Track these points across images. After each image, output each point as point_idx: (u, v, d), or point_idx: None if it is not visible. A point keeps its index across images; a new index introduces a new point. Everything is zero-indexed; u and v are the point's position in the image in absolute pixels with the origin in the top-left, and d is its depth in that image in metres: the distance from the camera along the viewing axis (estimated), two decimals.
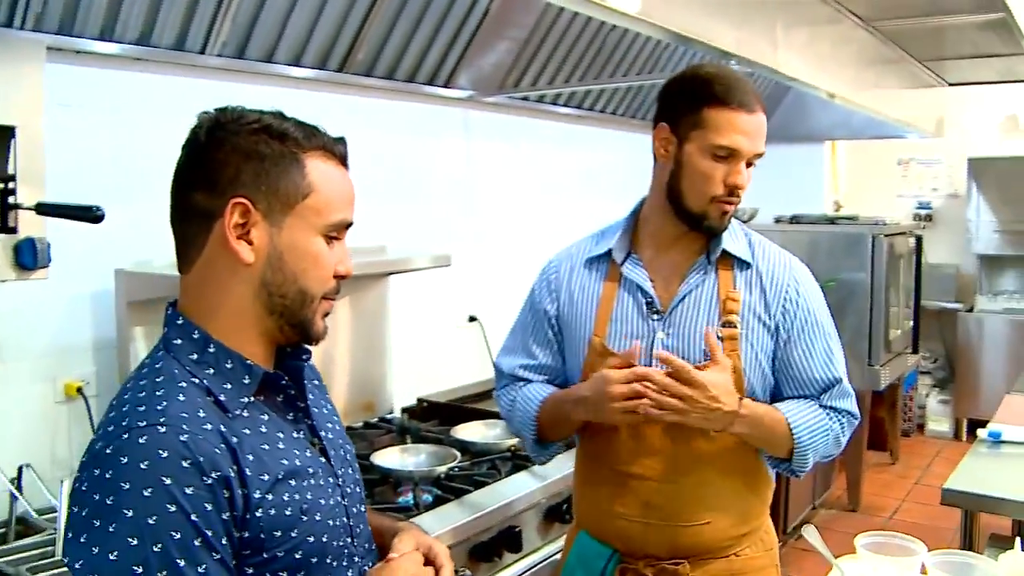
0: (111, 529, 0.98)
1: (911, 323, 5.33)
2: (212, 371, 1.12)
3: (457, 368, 3.44)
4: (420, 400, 3.18)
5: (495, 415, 2.65)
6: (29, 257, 1.79)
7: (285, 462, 1.13)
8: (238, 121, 1.13)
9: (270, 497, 1.09)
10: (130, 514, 0.99)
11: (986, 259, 6.33)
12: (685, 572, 1.72)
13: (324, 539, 1.16)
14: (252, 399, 1.14)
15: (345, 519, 1.22)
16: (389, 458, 2.42)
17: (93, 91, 2.22)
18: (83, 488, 1.03)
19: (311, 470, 1.17)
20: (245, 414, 1.12)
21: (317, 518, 1.15)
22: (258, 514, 1.08)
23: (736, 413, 1.62)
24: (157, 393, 1.07)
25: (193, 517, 1.01)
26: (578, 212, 3.95)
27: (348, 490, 1.25)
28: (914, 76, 4.93)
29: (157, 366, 1.12)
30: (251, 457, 1.09)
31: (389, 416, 3.00)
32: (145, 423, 1.03)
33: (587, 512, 1.83)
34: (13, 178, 1.76)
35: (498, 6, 3.06)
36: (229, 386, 1.12)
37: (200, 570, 1.01)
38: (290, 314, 1.16)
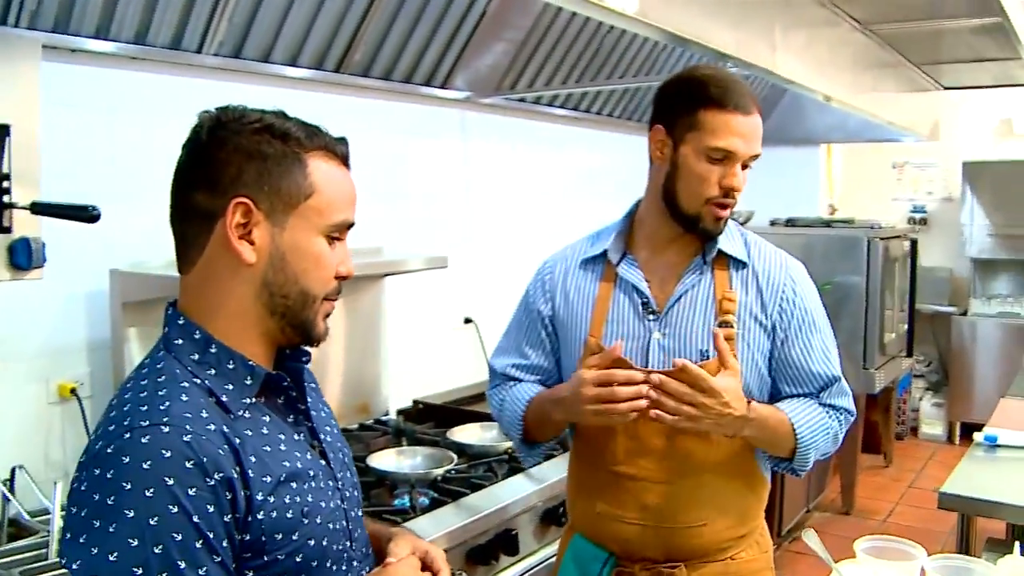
0: (111, 530, 0.97)
1: (906, 326, 5.34)
2: (214, 372, 1.11)
3: (453, 370, 3.43)
4: (416, 402, 3.17)
5: (491, 417, 2.64)
6: (24, 257, 1.77)
7: (287, 464, 1.12)
8: (240, 120, 1.12)
9: (272, 499, 1.08)
10: (131, 515, 0.98)
11: (980, 263, 6.36)
12: (682, 575, 1.71)
13: (324, 543, 1.15)
14: (253, 400, 1.14)
15: (344, 523, 1.22)
16: (385, 460, 2.41)
17: (88, 90, 2.21)
18: (82, 488, 1.01)
19: (312, 473, 1.16)
20: (247, 415, 1.12)
21: (318, 521, 1.14)
22: (259, 516, 1.07)
23: (746, 417, 1.61)
24: (159, 393, 1.06)
25: (195, 519, 1.00)
26: (574, 213, 3.95)
27: (347, 493, 1.25)
28: (910, 80, 4.93)
29: (158, 366, 1.11)
30: (253, 459, 1.08)
31: (384, 418, 2.99)
32: (148, 423, 1.02)
33: (582, 514, 1.82)
34: (8, 177, 1.74)
35: (495, 7, 3.06)
36: (231, 387, 1.11)
37: (201, 572, 1.00)
38: (292, 315, 1.15)
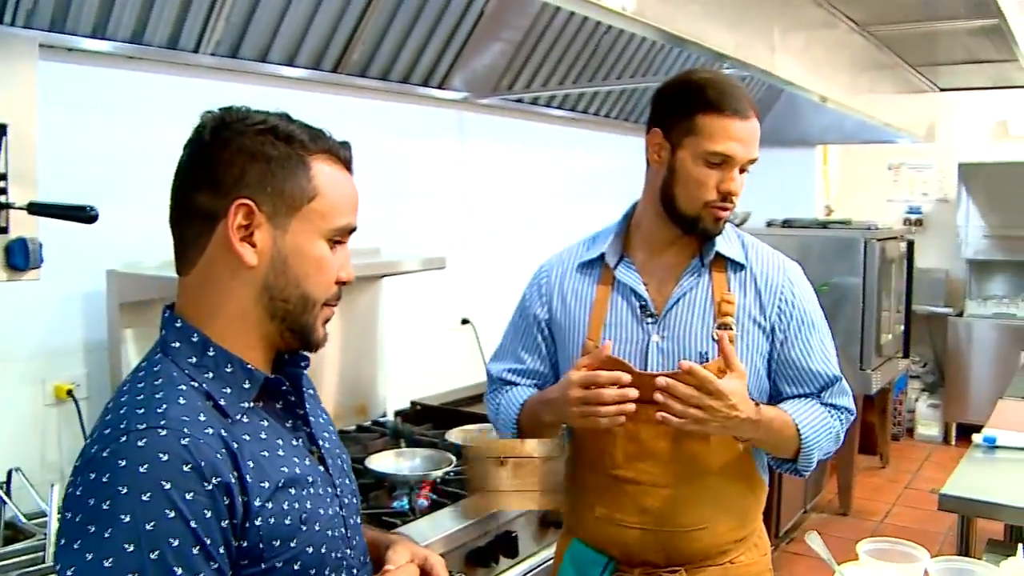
0: (107, 535, 0.95)
1: (902, 327, 5.35)
2: (211, 375, 1.10)
3: (450, 371, 3.42)
4: (413, 403, 3.17)
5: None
6: (20, 258, 1.76)
7: (285, 470, 1.11)
8: (244, 121, 1.11)
9: (270, 505, 1.07)
10: (127, 519, 0.96)
11: (975, 264, 6.38)
12: None
13: (323, 550, 1.14)
14: (251, 405, 1.12)
15: (343, 530, 1.20)
16: (383, 462, 2.40)
17: (84, 89, 2.20)
18: (77, 493, 1.00)
19: (310, 479, 1.15)
20: (245, 420, 1.10)
21: (316, 528, 1.13)
22: (257, 523, 1.05)
23: (753, 420, 1.61)
24: (156, 396, 1.05)
25: (192, 524, 0.98)
26: (571, 214, 3.95)
27: (346, 500, 1.23)
28: (907, 81, 4.94)
29: (155, 369, 1.09)
30: (251, 464, 1.06)
31: (382, 419, 2.98)
32: (145, 426, 1.01)
33: (580, 519, 1.81)
34: (4, 177, 1.73)
35: (493, 7, 3.05)
36: (229, 390, 1.10)
37: None
38: (292, 319, 1.14)
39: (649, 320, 1.72)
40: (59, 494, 1.89)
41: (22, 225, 1.77)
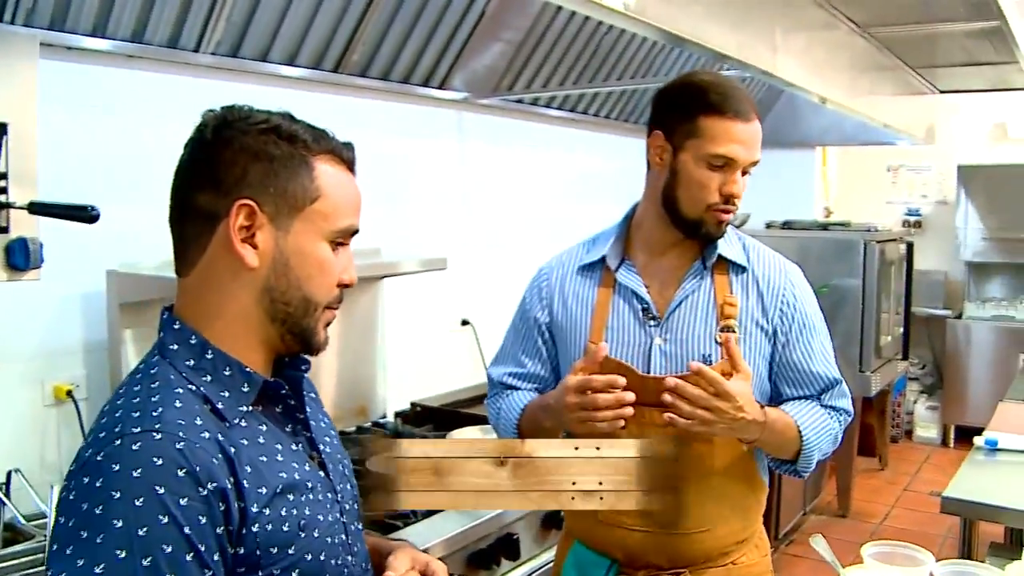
0: (99, 540, 0.94)
1: (901, 329, 5.35)
2: (209, 378, 1.08)
3: (450, 372, 3.42)
4: (414, 404, 3.16)
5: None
6: (21, 258, 1.75)
7: (283, 475, 1.09)
8: (247, 120, 1.09)
9: (267, 512, 1.05)
10: (119, 524, 0.94)
11: (974, 266, 6.38)
12: None
13: (322, 557, 1.12)
14: (250, 408, 1.10)
15: (344, 536, 1.18)
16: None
17: (84, 88, 2.19)
18: (71, 497, 0.98)
19: (310, 484, 1.13)
20: (243, 424, 1.08)
21: (315, 535, 1.11)
22: (255, 529, 1.03)
23: (758, 422, 1.60)
24: (152, 399, 1.03)
25: (186, 530, 0.96)
26: (571, 215, 3.94)
27: (347, 506, 1.21)
28: (907, 83, 4.94)
29: (152, 371, 1.08)
30: (249, 469, 1.04)
31: (382, 420, 2.98)
32: (139, 429, 0.99)
33: (582, 522, 1.80)
34: (5, 176, 1.72)
35: (493, 8, 3.05)
36: (227, 394, 1.08)
37: None
38: (292, 322, 1.12)
39: (651, 323, 1.71)
40: (59, 495, 1.88)
41: (22, 225, 1.76)
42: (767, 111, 5.25)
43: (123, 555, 0.93)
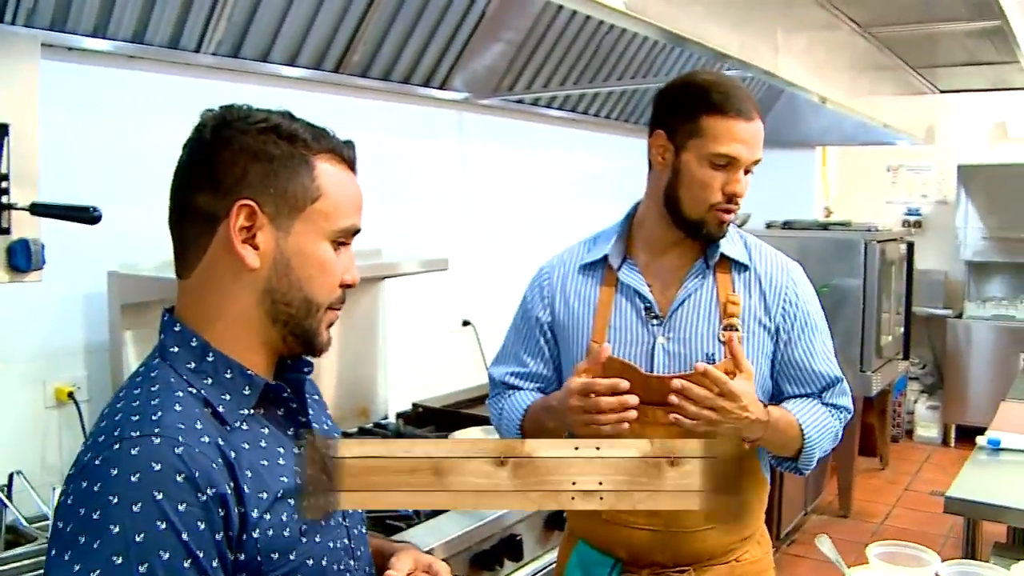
0: (95, 546, 0.92)
1: (902, 329, 5.35)
2: (210, 381, 1.07)
3: (451, 373, 3.41)
4: (415, 405, 3.15)
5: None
6: (23, 259, 1.74)
7: (285, 479, 1.07)
8: (246, 119, 1.08)
9: (268, 517, 1.04)
10: (116, 530, 0.93)
11: (974, 266, 6.38)
12: None
13: (324, 562, 1.11)
14: (251, 412, 1.09)
15: (346, 540, 1.17)
16: None
17: (85, 89, 2.18)
18: (69, 502, 0.97)
19: None
20: (244, 427, 1.07)
21: (317, 540, 1.10)
22: (255, 535, 1.02)
23: (762, 421, 1.60)
24: (152, 402, 1.02)
25: (184, 536, 0.95)
26: (572, 215, 3.93)
27: (349, 510, 1.20)
28: (907, 83, 4.94)
29: (152, 374, 1.06)
30: (249, 473, 1.03)
31: (384, 421, 2.97)
32: (138, 433, 0.98)
33: (586, 521, 1.80)
34: (6, 177, 1.71)
35: (494, 9, 3.05)
36: (228, 397, 1.07)
37: None
38: (294, 323, 1.10)
39: (654, 322, 1.71)
40: (57, 499, 1.87)
41: (24, 226, 1.75)
42: (767, 111, 5.25)
43: (119, 561, 0.92)
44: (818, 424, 1.71)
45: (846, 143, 6.06)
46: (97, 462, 0.97)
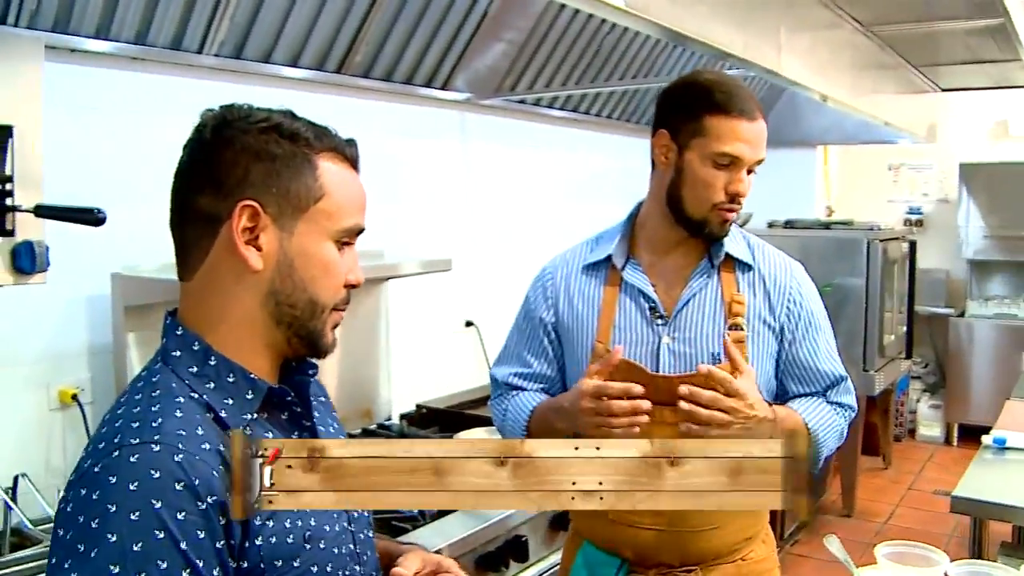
0: (93, 555, 0.91)
1: (904, 328, 5.34)
2: (212, 385, 1.05)
3: (455, 374, 3.41)
4: (419, 406, 3.15)
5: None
6: (27, 261, 1.73)
7: None
8: (247, 119, 1.06)
9: (270, 524, 1.02)
10: (114, 539, 0.91)
11: (976, 264, 6.37)
12: None
13: (329, 568, 1.09)
14: (255, 416, 1.07)
15: (352, 545, 1.16)
16: None
17: (88, 91, 2.18)
18: (68, 509, 0.96)
19: None
20: (247, 432, 1.05)
21: (322, 546, 1.09)
22: (258, 542, 1.01)
23: (770, 419, 1.60)
24: (153, 408, 1.00)
25: (183, 545, 0.93)
26: (574, 215, 3.93)
27: (355, 514, 1.19)
28: (909, 82, 4.94)
29: (154, 379, 1.05)
30: None
31: (388, 422, 2.97)
32: (138, 440, 0.96)
33: (592, 521, 1.80)
34: (10, 179, 1.70)
35: (496, 9, 3.04)
36: (231, 401, 1.05)
37: None
38: (299, 325, 1.09)
39: (659, 322, 1.71)
40: (58, 507, 1.87)
41: (28, 228, 1.74)
42: (768, 110, 5.24)
43: (116, 570, 0.91)
44: (824, 423, 1.72)
45: (847, 142, 6.05)
46: (96, 469, 0.96)
